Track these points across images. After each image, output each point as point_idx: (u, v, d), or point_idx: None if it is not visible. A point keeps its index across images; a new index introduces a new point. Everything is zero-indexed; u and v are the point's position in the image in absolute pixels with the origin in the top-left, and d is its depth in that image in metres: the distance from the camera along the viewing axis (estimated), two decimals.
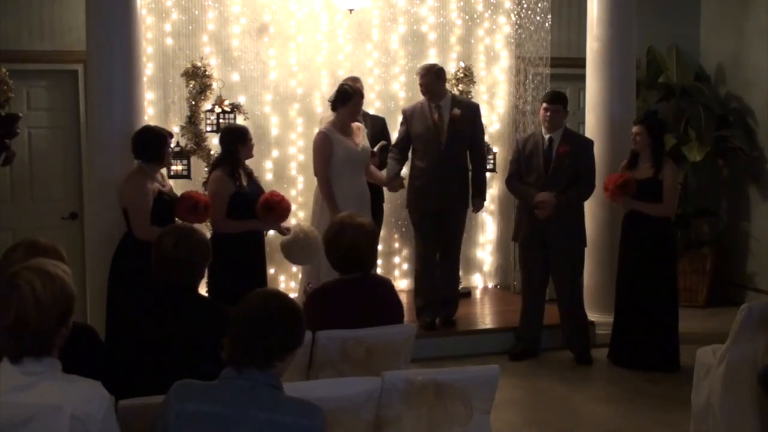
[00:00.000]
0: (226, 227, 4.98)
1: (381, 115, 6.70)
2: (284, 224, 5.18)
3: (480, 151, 6.12)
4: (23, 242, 2.87)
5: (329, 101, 5.67)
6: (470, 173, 6.06)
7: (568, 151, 5.67)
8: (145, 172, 4.83)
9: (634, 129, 5.62)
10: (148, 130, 4.97)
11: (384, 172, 5.97)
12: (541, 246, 5.76)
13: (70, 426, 1.97)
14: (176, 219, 4.82)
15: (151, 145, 4.84)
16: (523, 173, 5.79)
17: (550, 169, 5.68)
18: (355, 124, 5.66)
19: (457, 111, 5.85)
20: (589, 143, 5.87)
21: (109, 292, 4.81)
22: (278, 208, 4.97)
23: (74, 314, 2.17)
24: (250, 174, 5.22)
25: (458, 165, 5.93)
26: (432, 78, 5.85)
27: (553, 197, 5.58)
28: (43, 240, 2.90)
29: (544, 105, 5.75)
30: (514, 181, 5.87)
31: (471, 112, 5.98)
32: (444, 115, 5.86)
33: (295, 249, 5.06)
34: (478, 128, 6.07)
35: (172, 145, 5.31)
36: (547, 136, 5.73)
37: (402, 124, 6.07)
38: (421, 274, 6.10)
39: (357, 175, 5.56)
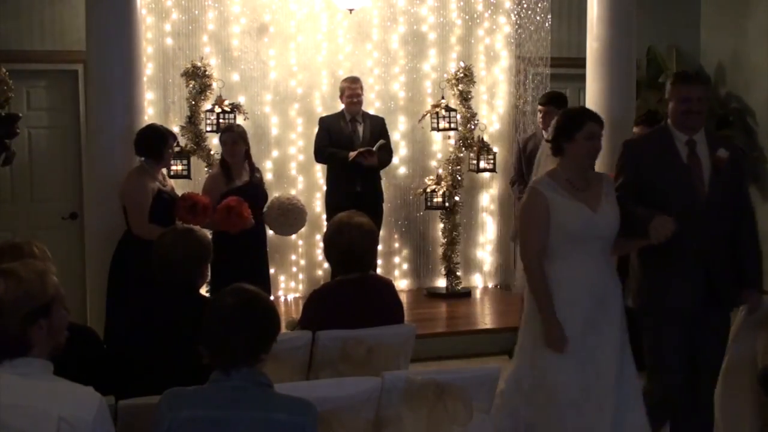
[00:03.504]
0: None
1: (381, 115, 6.69)
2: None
3: (752, 215, 3.73)
4: (6, 249, 2.85)
5: (546, 140, 3.53)
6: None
7: None
8: (145, 170, 4.85)
9: (638, 130, 5.60)
10: (151, 128, 4.99)
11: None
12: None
13: (58, 428, 1.97)
14: (176, 220, 4.82)
15: (151, 142, 4.85)
16: (524, 173, 5.78)
17: None
18: (604, 178, 3.53)
19: (724, 152, 3.60)
20: None
21: (108, 291, 4.82)
22: (233, 220, 4.94)
23: (51, 312, 2.13)
24: (250, 176, 5.24)
25: (725, 238, 3.63)
26: (702, 91, 3.63)
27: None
28: (22, 241, 2.92)
29: (539, 107, 5.78)
30: (520, 184, 5.84)
31: (737, 157, 3.69)
32: (701, 158, 3.61)
33: (271, 216, 5.37)
34: (745, 181, 3.91)
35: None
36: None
37: (623, 168, 3.67)
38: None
39: (591, 258, 3.37)
